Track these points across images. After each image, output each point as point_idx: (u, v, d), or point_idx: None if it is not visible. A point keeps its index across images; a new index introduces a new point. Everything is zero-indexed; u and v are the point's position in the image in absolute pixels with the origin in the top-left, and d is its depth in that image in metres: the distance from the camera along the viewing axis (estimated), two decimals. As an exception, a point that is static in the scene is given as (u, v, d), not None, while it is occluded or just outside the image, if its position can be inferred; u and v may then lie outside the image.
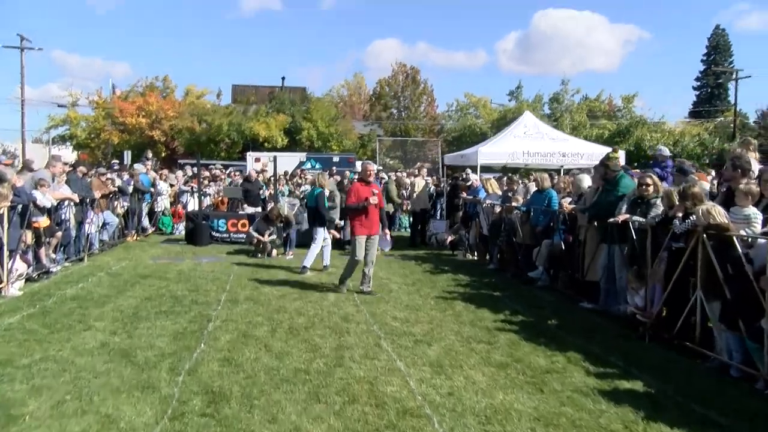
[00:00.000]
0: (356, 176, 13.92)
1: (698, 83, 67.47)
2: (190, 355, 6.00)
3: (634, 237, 7.11)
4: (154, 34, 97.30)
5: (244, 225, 14.91)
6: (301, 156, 25.87)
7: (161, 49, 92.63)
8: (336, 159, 25.24)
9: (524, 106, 40.25)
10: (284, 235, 13.49)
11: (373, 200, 9.12)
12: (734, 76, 39.32)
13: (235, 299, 8.69)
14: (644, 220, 7.06)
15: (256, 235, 13.08)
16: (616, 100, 44.15)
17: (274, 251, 13.20)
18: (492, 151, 13.89)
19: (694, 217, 6.03)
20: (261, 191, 16.08)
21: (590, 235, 8.14)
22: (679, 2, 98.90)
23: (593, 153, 13.90)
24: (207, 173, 20.28)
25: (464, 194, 12.75)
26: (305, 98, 42.97)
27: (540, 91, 45.23)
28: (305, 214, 14.39)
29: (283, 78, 46.23)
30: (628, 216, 7.28)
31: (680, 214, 6.28)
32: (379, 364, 5.84)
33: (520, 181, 11.81)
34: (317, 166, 24.31)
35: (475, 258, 13.03)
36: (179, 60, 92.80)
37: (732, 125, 41.33)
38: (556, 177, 12.42)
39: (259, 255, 12.97)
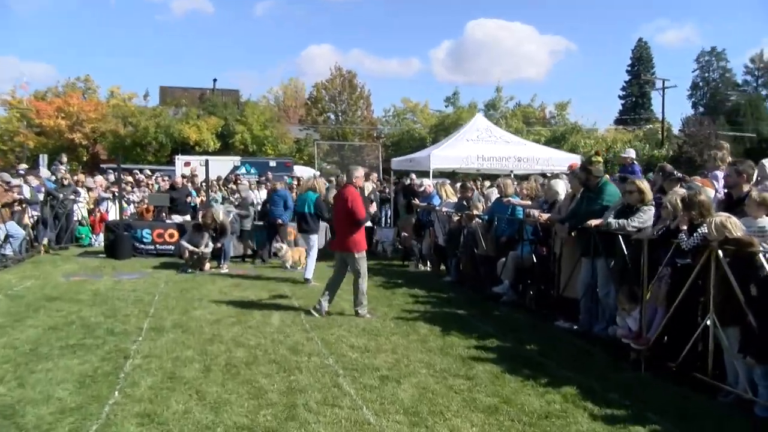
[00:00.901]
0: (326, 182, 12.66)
1: (624, 93, 69.52)
2: (99, 409, 4.65)
3: (625, 251, 6.23)
4: (79, 35, 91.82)
5: (171, 235, 13.36)
6: (234, 160, 24.27)
7: (86, 51, 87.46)
8: (273, 164, 23.79)
9: (462, 113, 39.99)
10: (219, 245, 12.07)
11: (373, 210, 8.31)
12: (662, 86, 40.23)
13: (160, 327, 7.30)
14: (637, 225, 6.19)
15: (188, 246, 11.61)
16: (550, 107, 44.51)
17: (207, 265, 11.75)
18: (445, 155, 12.92)
19: (704, 229, 5.18)
20: (189, 199, 14.54)
21: (568, 248, 7.24)
22: (603, 16, 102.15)
23: (550, 158, 13.21)
24: (130, 178, 18.46)
25: (417, 201, 11.72)
26: (238, 101, 41.17)
27: (474, 99, 45.05)
28: (244, 221, 13.02)
29: (215, 80, 44.29)
30: (613, 222, 6.38)
31: (685, 227, 5.43)
32: (341, 414, 4.67)
33: (473, 188, 10.88)
34: (252, 171, 22.84)
35: (429, 269, 12.02)
36: (105, 62, 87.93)
37: (660, 132, 42.40)
38: (515, 183, 11.55)
39: (190, 270, 11.49)
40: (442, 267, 11.61)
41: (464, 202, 10.54)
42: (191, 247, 11.56)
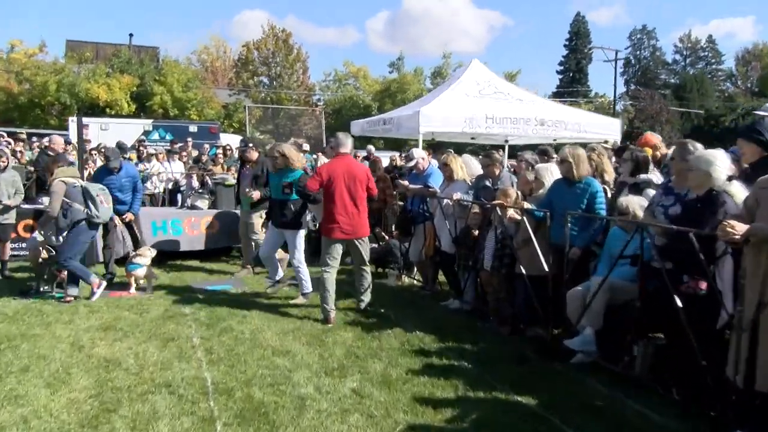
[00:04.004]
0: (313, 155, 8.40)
1: (561, 68, 67.46)
2: None
3: None
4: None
5: (29, 228, 8.64)
6: (145, 123, 19.25)
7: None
8: (193, 129, 18.94)
9: (408, 78, 35.96)
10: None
11: None
12: (614, 57, 37.43)
13: None
14: None
15: (41, 248, 7.05)
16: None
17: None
18: (441, 115, 8.54)
19: None
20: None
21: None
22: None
23: (580, 122, 9.23)
24: (-7, 143, 13.28)
25: (405, 182, 7.52)
26: (157, 58, 35.42)
27: (419, 65, 40.98)
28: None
29: (131, 35, 38.13)
30: None
31: None
32: None
33: (501, 160, 6.73)
34: (168, 136, 17.94)
35: (416, 281, 7.96)
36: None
37: (609, 106, 40.08)
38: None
39: (44, 287, 6.95)
40: (437, 281, 7.59)
41: (487, 183, 6.50)
42: (43, 249, 6.98)
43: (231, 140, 18.66)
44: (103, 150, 8.93)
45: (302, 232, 6.89)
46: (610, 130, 9.45)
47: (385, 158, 14.98)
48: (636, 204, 5.02)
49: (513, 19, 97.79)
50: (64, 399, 4.09)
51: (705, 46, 69.71)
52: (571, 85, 64.25)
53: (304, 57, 39.39)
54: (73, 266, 6.62)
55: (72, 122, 18.18)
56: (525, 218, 5.43)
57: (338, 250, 6.24)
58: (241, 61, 38.66)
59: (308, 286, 6.81)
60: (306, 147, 9.58)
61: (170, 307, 6.45)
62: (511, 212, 5.86)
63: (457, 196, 6.40)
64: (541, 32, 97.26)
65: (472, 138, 10.62)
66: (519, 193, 6.10)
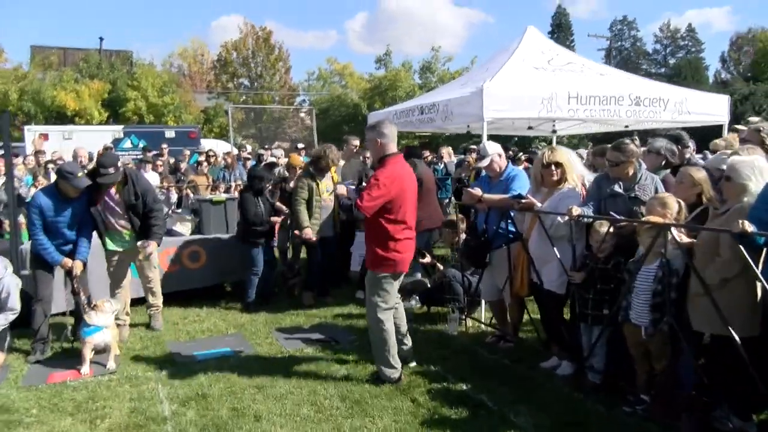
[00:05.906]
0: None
1: (544, 60, 65.84)
2: None
3: None
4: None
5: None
6: (115, 130, 16.72)
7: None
8: (170, 134, 16.40)
9: (397, 74, 33.65)
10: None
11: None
12: (609, 46, 35.51)
13: None
14: None
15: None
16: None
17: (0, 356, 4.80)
18: (509, 94, 6.03)
19: None
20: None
21: None
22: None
23: (684, 100, 6.88)
24: None
25: (477, 191, 5.04)
26: (130, 62, 32.68)
27: (408, 58, 38.43)
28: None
29: (102, 39, 35.08)
30: None
31: None
32: None
33: (638, 153, 4.38)
34: (141, 144, 15.43)
35: (486, 325, 5.63)
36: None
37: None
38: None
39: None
40: (518, 327, 5.28)
41: (617, 188, 4.21)
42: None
43: (214, 146, 16.24)
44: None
45: None
46: (719, 109, 7.22)
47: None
48: None
49: (493, 16, 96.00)
50: None
51: (685, 35, 69.24)
52: (555, 78, 62.85)
53: (286, 56, 36.87)
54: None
55: (27, 131, 15.59)
56: (741, 247, 3.13)
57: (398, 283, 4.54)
58: (219, 62, 35.98)
59: None
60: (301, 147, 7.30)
61: (139, 403, 4.06)
62: (674, 232, 3.60)
63: (576, 211, 4.09)
64: (521, 28, 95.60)
65: (530, 128, 8.27)
66: (681, 203, 3.84)
